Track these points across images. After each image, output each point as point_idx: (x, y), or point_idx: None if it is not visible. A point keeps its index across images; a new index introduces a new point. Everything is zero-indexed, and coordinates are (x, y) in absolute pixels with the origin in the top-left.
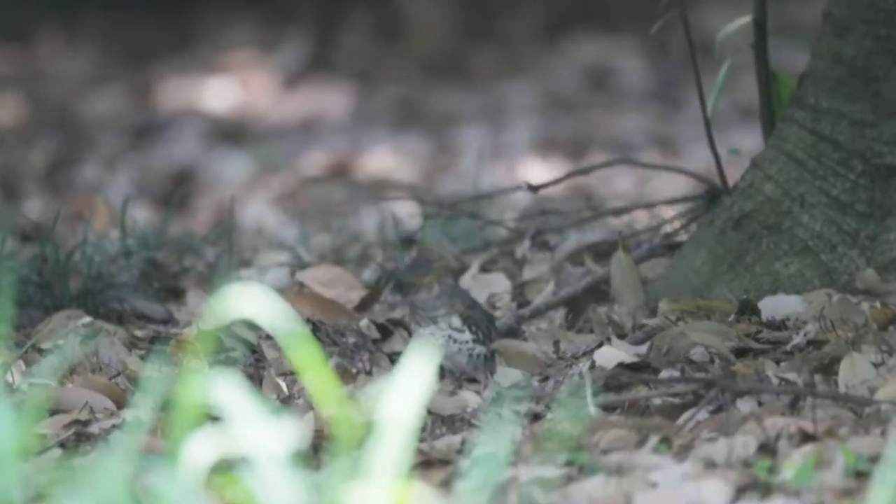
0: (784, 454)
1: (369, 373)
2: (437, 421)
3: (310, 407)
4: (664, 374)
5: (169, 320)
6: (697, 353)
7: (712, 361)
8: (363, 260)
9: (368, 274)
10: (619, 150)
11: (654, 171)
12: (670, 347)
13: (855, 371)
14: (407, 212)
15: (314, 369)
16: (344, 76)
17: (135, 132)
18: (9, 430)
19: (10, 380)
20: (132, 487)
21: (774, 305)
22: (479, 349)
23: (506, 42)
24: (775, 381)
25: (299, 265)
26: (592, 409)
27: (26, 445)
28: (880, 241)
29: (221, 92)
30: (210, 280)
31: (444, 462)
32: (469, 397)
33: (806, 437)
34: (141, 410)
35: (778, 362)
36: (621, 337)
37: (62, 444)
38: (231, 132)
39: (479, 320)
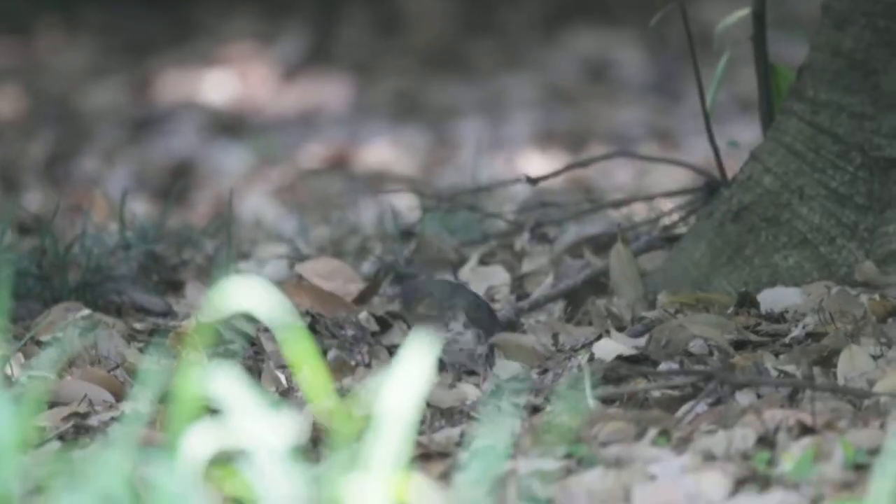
0: (783, 447)
1: (368, 365)
2: (436, 413)
3: (308, 400)
4: (663, 366)
5: (168, 313)
6: (696, 346)
7: (711, 354)
8: (362, 252)
9: (367, 266)
10: (618, 142)
11: (653, 164)
12: (669, 340)
13: (854, 363)
14: (406, 204)
15: (308, 364)
16: (343, 69)
17: (134, 125)
18: (7, 422)
19: (8, 372)
20: (131, 480)
21: (773, 298)
22: (481, 349)
23: (505, 35)
24: (774, 373)
25: (298, 257)
26: (591, 402)
27: (25, 438)
28: (879, 234)
29: (220, 84)
30: (209, 272)
31: (443, 454)
32: (468, 390)
33: (805, 430)
34: (140, 403)
35: (777, 355)
36: (620, 329)
37: (61, 437)
38: (230, 124)
39: (482, 319)
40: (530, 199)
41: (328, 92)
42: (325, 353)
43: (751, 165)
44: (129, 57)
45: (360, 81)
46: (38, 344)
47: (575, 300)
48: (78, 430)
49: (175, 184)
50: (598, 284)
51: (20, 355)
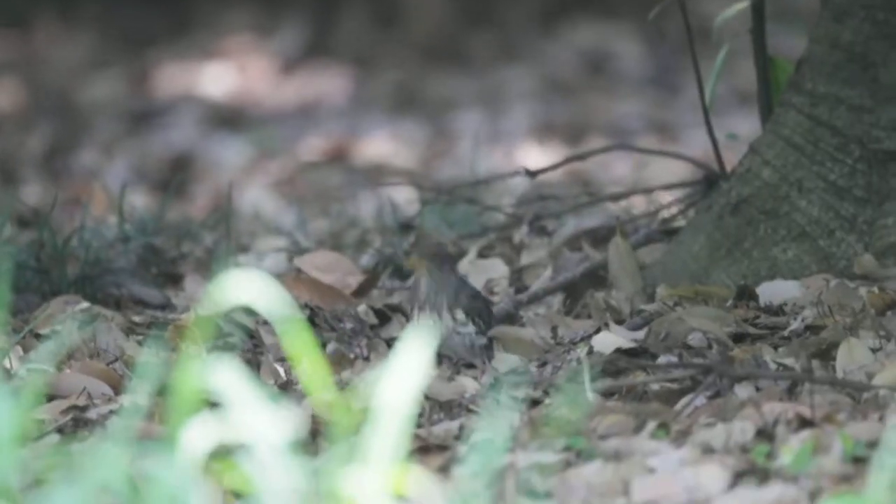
0: (782, 440)
1: (367, 358)
2: (435, 406)
3: (307, 392)
4: (662, 359)
5: (167, 306)
6: (695, 339)
7: (710, 347)
8: (361, 245)
9: (366, 259)
10: (616, 135)
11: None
12: (668, 333)
13: (853, 356)
14: (405, 197)
15: (307, 357)
16: (342, 61)
17: (132, 118)
18: (6, 415)
19: (7, 365)
20: (130, 473)
21: (772, 291)
22: (481, 340)
23: (503, 27)
24: (773, 366)
25: (297, 250)
26: (590, 395)
27: (24, 431)
28: (878, 226)
29: (219, 77)
30: (208, 265)
31: (442, 448)
32: (467, 383)
33: (804, 423)
34: (138, 396)
35: (776, 347)
36: (619, 322)
37: (60, 430)
38: (229, 117)
39: (482, 311)
40: (529, 192)
41: (327, 85)
42: (323, 346)
43: (749, 158)
44: (128, 50)
45: (358, 74)
46: (37, 337)
47: (574, 293)
48: (77, 423)
49: (174, 177)
50: (597, 277)
51: (19, 348)
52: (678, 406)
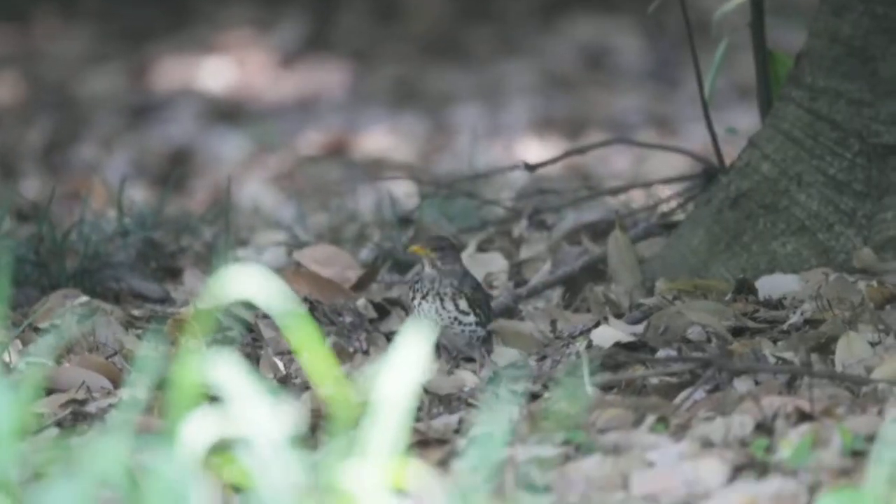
0: (781, 433)
1: (366, 352)
2: (434, 400)
3: (307, 386)
4: (661, 353)
5: (166, 300)
6: (694, 333)
7: (709, 341)
8: (360, 239)
9: (365, 253)
10: (616, 129)
11: (651, 151)
12: (667, 327)
13: (852, 350)
14: (404, 191)
15: (311, 349)
16: (341, 55)
17: (132, 112)
18: (6, 409)
19: (7, 359)
20: (129, 467)
21: (771, 284)
22: (481, 331)
23: (503, 22)
24: (772, 360)
25: (296, 244)
26: (589, 389)
27: (23, 425)
28: (877, 220)
29: (218, 71)
30: (207, 259)
31: (442, 441)
32: (466, 377)
33: (803, 417)
34: (138, 390)
35: (775, 341)
36: (618, 316)
37: (59, 424)
38: (228, 112)
39: (483, 302)
40: (528, 185)
41: (326, 79)
42: (324, 339)
43: (749, 152)
44: (127, 44)
45: (358, 68)
46: (37, 331)
47: (573, 287)
48: (76, 416)
49: (173, 171)
50: (597, 271)
51: (18, 342)
52: (677, 400)
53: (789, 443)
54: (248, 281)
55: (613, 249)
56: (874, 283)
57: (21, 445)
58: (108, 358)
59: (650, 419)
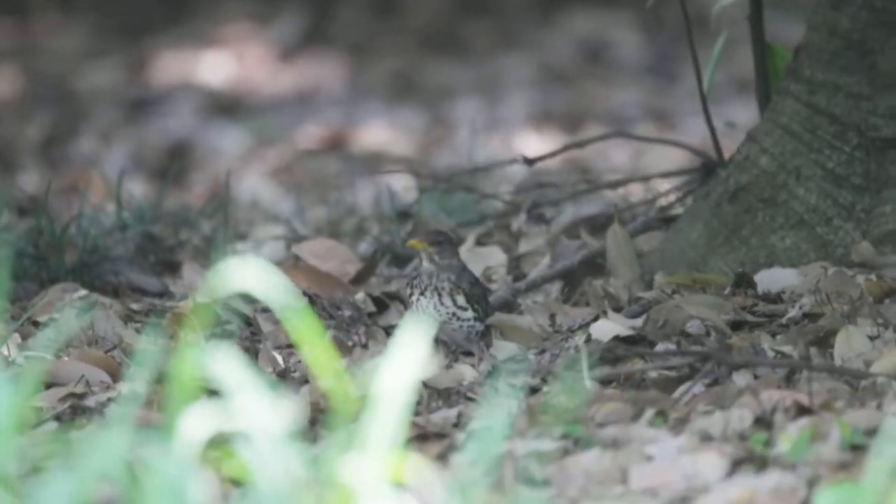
0: (780, 427)
1: (365, 346)
2: (434, 394)
3: (306, 380)
4: (660, 347)
5: (165, 294)
6: (693, 327)
7: (708, 334)
8: (359, 233)
9: (364, 247)
10: (614, 123)
11: (649, 145)
12: (666, 320)
13: (851, 344)
14: (403, 185)
15: (312, 342)
16: (340, 49)
17: (130, 106)
18: (5, 403)
19: (6, 353)
20: (128, 461)
21: (770, 278)
22: (479, 326)
23: (501, 15)
24: (771, 354)
25: (295, 238)
26: (588, 383)
27: (22, 418)
28: (876, 214)
29: (217, 65)
30: (206, 253)
31: (441, 435)
32: (465, 371)
33: (802, 411)
34: (137, 384)
35: (774, 335)
36: (617, 310)
37: (58, 418)
38: (227, 105)
39: (481, 297)
40: (527, 179)
41: (325, 73)
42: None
43: (747, 146)
44: (126, 38)
45: (356, 62)
46: (36, 324)
47: (572, 281)
48: (75, 410)
49: (172, 165)
50: (595, 265)
51: (17, 336)
52: (676, 394)
53: (788, 437)
54: (247, 274)
55: (612, 243)
56: (873, 276)
57: (20, 439)
58: (107, 352)
59: (649, 413)
